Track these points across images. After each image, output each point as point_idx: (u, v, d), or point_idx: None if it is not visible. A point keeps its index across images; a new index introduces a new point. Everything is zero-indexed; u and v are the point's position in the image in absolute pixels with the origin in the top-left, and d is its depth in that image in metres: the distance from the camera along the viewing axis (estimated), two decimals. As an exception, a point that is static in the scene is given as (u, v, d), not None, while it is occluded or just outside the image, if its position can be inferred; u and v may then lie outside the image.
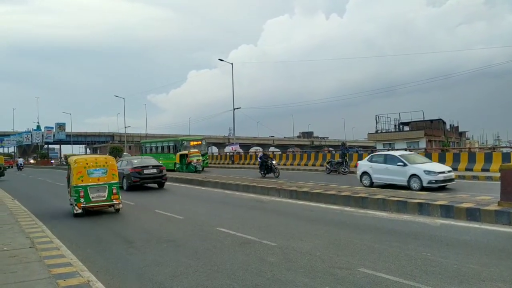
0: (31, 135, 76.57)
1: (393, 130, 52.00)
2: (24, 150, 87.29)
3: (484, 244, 6.89)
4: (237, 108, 47.80)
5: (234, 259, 6.49)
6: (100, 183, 11.74)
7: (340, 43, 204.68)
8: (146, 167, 18.93)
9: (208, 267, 6.10)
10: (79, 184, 11.51)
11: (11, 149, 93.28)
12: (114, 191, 11.87)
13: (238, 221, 9.90)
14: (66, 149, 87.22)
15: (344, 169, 23.31)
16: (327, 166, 24.31)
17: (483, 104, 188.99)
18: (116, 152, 47.64)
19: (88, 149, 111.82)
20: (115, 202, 11.95)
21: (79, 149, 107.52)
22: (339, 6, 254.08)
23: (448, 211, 9.11)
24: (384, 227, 8.50)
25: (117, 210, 12.15)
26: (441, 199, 9.99)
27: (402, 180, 14.70)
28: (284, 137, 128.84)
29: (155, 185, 19.22)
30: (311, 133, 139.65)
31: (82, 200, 11.46)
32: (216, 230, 8.80)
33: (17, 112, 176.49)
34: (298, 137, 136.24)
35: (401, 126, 53.32)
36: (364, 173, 16.46)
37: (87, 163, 11.81)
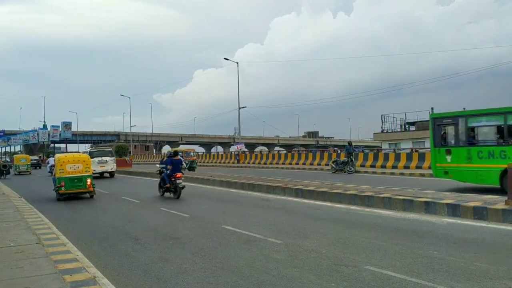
0: (38, 134, 76.96)
1: (399, 130, 51.84)
2: (31, 148, 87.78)
3: (491, 243, 6.84)
4: (242, 108, 47.90)
5: (240, 256, 6.49)
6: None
7: (347, 42, 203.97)
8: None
9: (213, 264, 6.10)
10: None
11: (18, 148, 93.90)
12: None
13: (243, 219, 9.90)
14: (72, 148, 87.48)
15: (350, 169, 23.27)
16: (333, 165, 24.27)
17: (491, 103, 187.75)
18: (121, 151, 47.76)
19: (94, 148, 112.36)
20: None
21: (85, 148, 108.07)
22: (347, 4, 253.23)
23: (454, 209, 9.05)
24: (390, 226, 8.47)
25: None
26: (447, 197, 9.94)
27: None
28: (290, 136, 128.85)
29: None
30: (317, 132, 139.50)
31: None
32: (221, 228, 8.80)
33: (24, 111, 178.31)
34: (304, 136, 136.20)
35: (407, 126, 53.15)
36: None
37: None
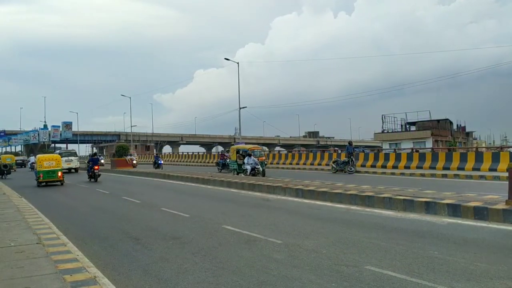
0: (38, 134, 76.96)
1: (400, 130, 51.86)
2: (31, 148, 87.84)
3: (491, 243, 6.84)
4: (242, 108, 47.95)
5: (240, 256, 6.49)
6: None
7: (348, 42, 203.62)
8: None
9: (213, 264, 6.10)
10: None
11: (18, 148, 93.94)
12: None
13: (243, 219, 9.89)
14: (72, 148, 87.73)
15: (350, 169, 23.25)
16: (333, 165, 24.26)
17: (491, 103, 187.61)
18: (122, 151, 47.66)
19: (94, 148, 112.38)
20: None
21: (85, 148, 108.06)
22: (348, 4, 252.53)
23: (455, 210, 9.05)
24: (390, 226, 8.46)
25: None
26: (448, 197, 9.93)
27: None
28: (290, 136, 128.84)
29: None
30: (317, 132, 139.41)
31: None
32: (221, 228, 8.80)
33: (24, 111, 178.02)
34: (304, 136, 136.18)
35: (407, 126, 53.18)
36: None
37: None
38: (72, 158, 36.76)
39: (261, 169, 21.89)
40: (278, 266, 5.83)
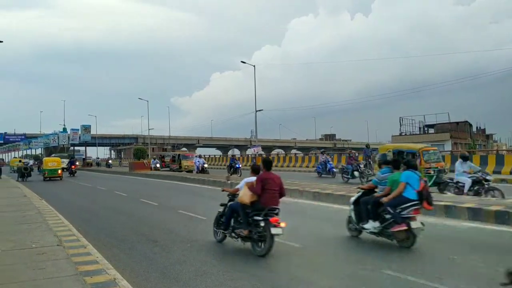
0: (58, 137, 78.16)
1: (418, 132, 51.27)
2: (51, 151, 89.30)
3: (514, 248, 6.71)
4: (259, 110, 47.78)
5: (258, 259, 6.49)
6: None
7: (365, 44, 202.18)
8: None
9: (231, 267, 6.11)
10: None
11: (38, 151, 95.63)
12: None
13: (260, 222, 9.86)
14: (91, 151, 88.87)
15: (368, 172, 23.01)
16: (350, 168, 23.89)
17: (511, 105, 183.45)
18: (140, 154, 47.97)
19: (112, 151, 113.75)
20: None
21: (104, 151, 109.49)
22: (365, 5, 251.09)
23: (475, 214, 8.89)
24: (409, 230, 8.35)
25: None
26: (468, 201, 9.76)
27: None
28: (306, 139, 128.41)
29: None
30: (334, 135, 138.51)
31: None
32: (239, 230, 8.79)
33: (44, 114, 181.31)
34: (321, 139, 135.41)
35: (425, 129, 52.54)
36: None
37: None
38: (64, 160, 47.66)
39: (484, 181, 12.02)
40: (296, 270, 5.82)
